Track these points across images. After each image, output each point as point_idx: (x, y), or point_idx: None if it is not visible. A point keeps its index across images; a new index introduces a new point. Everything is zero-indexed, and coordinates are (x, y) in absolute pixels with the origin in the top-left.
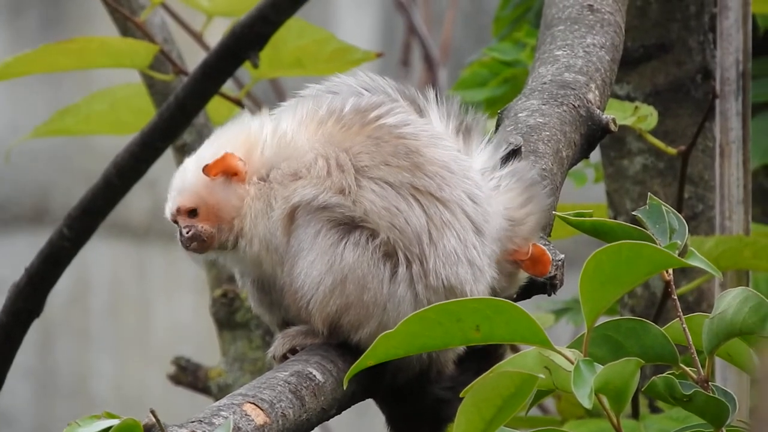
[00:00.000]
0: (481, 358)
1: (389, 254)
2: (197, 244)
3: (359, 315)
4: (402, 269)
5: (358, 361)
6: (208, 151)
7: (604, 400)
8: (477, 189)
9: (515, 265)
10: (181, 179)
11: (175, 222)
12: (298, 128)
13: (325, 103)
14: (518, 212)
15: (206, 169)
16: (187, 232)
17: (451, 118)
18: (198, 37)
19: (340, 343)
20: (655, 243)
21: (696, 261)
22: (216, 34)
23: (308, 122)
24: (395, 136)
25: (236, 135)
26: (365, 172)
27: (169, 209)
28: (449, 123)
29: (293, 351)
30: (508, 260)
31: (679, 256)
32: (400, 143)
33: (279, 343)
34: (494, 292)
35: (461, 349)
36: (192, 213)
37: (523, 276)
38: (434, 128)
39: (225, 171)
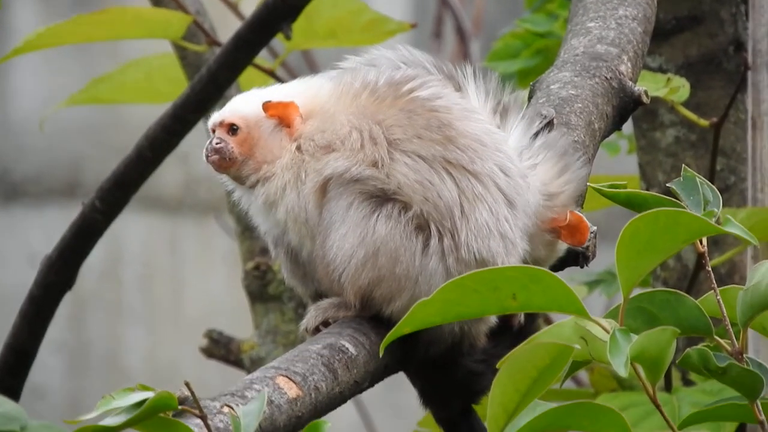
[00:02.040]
0: (514, 333)
1: (421, 227)
2: (218, 158)
3: (391, 288)
4: (434, 242)
5: (394, 328)
6: (279, 92)
7: (640, 370)
8: (509, 162)
9: (554, 234)
10: (240, 102)
11: (213, 132)
12: (336, 101)
13: (361, 76)
14: (555, 183)
15: (266, 106)
16: (216, 143)
17: (489, 97)
18: (233, 7)
19: (373, 316)
20: None
21: (733, 228)
22: (251, 5)
23: (344, 95)
24: (428, 109)
25: (307, 91)
26: (398, 144)
27: (213, 119)
28: (487, 101)
29: (326, 324)
30: (547, 229)
31: (715, 224)
32: (433, 116)
33: (311, 316)
34: (529, 263)
35: (493, 321)
36: (232, 131)
37: (562, 247)
38: (467, 101)
39: (281, 117)
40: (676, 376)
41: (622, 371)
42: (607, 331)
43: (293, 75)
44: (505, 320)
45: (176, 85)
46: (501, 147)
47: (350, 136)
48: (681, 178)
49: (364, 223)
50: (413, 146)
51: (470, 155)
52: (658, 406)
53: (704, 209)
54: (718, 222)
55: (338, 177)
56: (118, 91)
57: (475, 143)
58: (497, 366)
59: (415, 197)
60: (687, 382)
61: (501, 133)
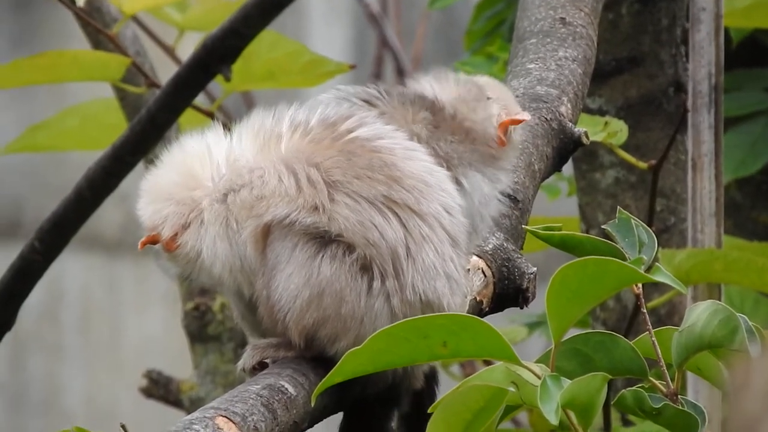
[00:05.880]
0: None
1: (366, 268)
2: None
3: (336, 328)
4: (377, 284)
5: (325, 378)
6: (143, 217)
7: (572, 415)
8: (452, 200)
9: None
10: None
11: None
12: (258, 150)
13: (287, 117)
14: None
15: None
16: None
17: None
18: (170, 51)
19: (316, 356)
20: (624, 257)
21: (661, 276)
22: (188, 48)
23: (268, 141)
24: (369, 149)
25: (168, 184)
26: (338, 186)
27: None
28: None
29: (262, 364)
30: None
31: (646, 270)
32: (375, 157)
33: (248, 355)
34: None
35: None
36: None
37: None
38: (407, 140)
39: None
40: (615, 416)
41: (553, 418)
42: (538, 376)
43: (231, 117)
44: None
45: (112, 131)
46: (444, 186)
47: (282, 184)
48: (616, 219)
49: (309, 263)
50: (355, 187)
51: (416, 195)
52: None
53: (639, 251)
54: (648, 269)
55: (279, 222)
56: (55, 138)
57: (420, 183)
58: (430, 410)
59: (357, 239)
60: (627, 422)
61: (443, 171)
